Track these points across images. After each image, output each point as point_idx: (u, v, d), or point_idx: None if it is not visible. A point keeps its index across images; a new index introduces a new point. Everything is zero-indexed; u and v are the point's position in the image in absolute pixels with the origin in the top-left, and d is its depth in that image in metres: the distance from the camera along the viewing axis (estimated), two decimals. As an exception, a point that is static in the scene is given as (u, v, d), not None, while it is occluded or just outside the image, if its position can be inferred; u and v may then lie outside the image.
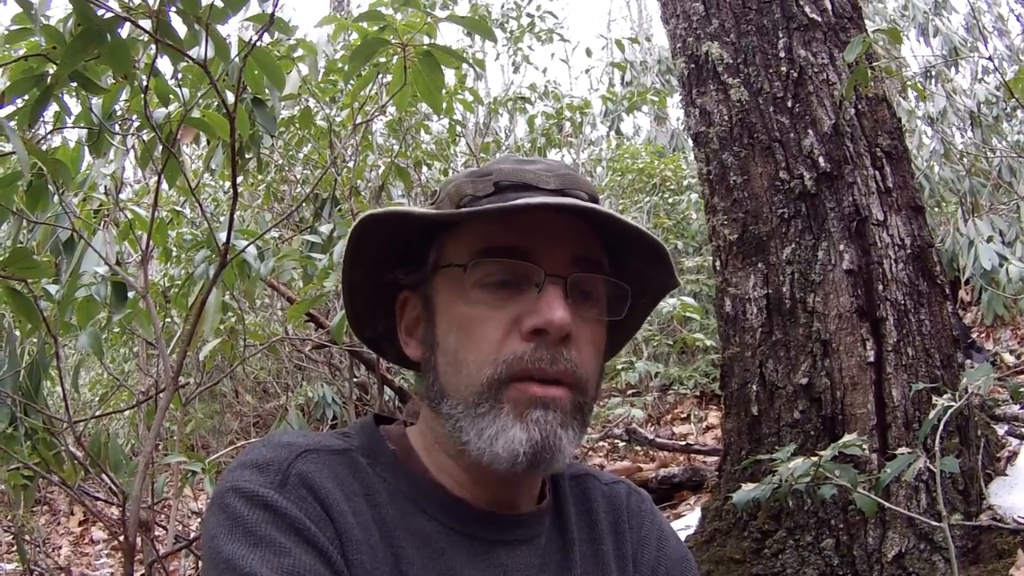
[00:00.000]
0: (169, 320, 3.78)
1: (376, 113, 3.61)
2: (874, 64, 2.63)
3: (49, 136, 2.23)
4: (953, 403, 1.75)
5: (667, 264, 0.90)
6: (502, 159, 0.93)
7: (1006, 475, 2.52)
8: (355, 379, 4.53)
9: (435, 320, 0.89)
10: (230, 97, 1.80)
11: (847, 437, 1.86)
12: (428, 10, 2.14)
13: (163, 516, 3.76)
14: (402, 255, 0.92)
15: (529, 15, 6.34)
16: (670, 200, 6.74)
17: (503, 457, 0.81)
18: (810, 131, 2.67)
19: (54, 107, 1.88)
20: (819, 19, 2.75)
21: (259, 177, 4.43)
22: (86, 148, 2.16)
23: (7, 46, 1.90)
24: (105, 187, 2.67)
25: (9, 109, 1.76)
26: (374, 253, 0.92)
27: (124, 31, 1.63)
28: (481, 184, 0.88)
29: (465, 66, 4.15)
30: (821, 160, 2.64)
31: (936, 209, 6.44)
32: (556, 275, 0.84)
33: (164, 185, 2.09)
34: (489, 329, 0.83)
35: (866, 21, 3.00)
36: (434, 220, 0.87)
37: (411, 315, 0.94)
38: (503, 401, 0.82)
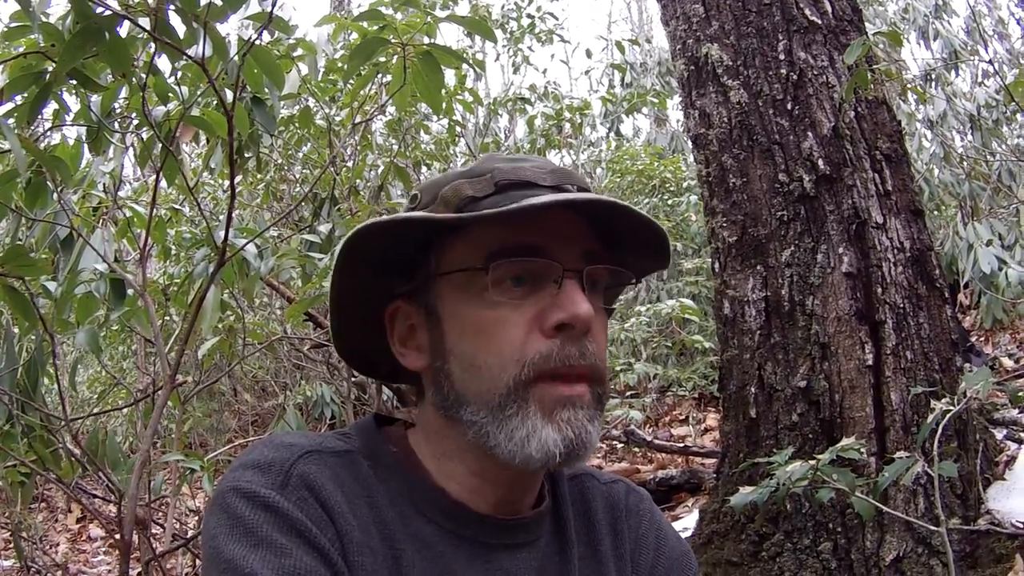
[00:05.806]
0: (168, 318, 3.78)
1: (375, 113, 3.61)
2: (874, 67, 2.63)
3: (48, 134, 2.23)
4: (952, 407, 1.75)
5: (667, 253, 0.92)
6: (491, 158, 0.92)
7: (1004, 479, 2.52)
8: (353, 378, 4.52)
9: (443, 327, 0.87)
10: (229, 96, 1.80)
11: (845, 440, 1.86)
12: (428, 10, 2.13)
13: (160, 514, 3.75)
14: (392, 264, 0.90)
15: (529, 16, 6.34)
16: (669, 202, 6.74)
17: (536, 458, 0.81)
18: (809, 133, 2.67)
19: (53, 105, 1.88)
20: (819, 22, 2.74)
21: (258, 176, 4.43)
22: (85, 146, 2.16)
23: (6, 43, 1.90)
24: (104, 185, 2.66)
25: (8, 106, 1.76)
26: (365, 262, 0.90)
27: (123, 29, 1.63)
28: (480, 184, 0.87)
29: (465, 66, 4.15)
30: (820, 163, 2.63)
31: (935, 213, 6.44)
32: (573, 269, 0.84)
33: (163, 183, 2.08)
34: (510, 330, 0.83)
35: (866, 24, 2.99)
36: (444, 224, 0.86)
37: (404, 325, 0.92)
38: (530, 401, 0.82)
